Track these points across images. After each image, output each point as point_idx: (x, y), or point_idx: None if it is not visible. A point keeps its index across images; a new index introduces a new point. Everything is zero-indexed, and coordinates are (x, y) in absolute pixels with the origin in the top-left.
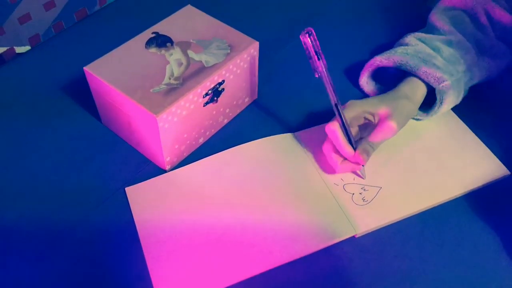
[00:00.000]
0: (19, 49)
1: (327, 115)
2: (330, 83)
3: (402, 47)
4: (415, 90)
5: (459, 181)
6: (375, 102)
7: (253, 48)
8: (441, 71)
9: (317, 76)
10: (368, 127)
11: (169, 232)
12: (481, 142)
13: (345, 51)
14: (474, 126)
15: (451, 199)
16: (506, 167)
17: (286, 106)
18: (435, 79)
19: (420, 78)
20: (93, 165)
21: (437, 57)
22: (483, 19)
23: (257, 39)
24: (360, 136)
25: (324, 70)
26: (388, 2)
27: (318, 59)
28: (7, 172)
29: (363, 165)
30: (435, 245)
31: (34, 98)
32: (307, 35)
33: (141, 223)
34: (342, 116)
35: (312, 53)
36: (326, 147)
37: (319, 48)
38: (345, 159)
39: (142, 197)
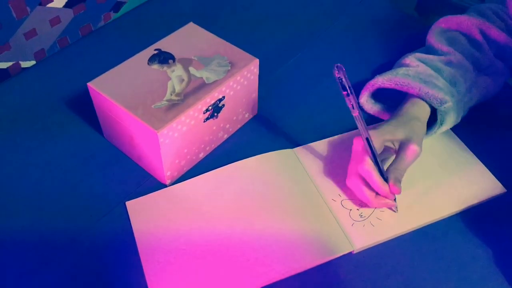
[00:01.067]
0: (25, 64)
1: (325, 131)
2: (362, 119)
3: (404, 68)
4: (421, 110)
5: (456, 198)
6: (391, 129)
7: (253, 65)
8: (443, 92)
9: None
10: (385, 152)
11: (168, 247)
12: (478, 160)
13: (345, 68)
14: (471, 144)
15: (448, 216)
16: (503, 184)
17: (286, 122)
18: (437, 100)
19: (422, 99)
20: (95, 179)
21: (438, 78)
22: (479, 38)
23: (257, 57)
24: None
25: (356, 106)
26: (387, 21)
27: (347, 94)
28: (9, 184)
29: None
30: (431, 261)
31: (38, 111)
32: (339, 70)
33: (141, 237)
34: (375, 152)
35: (344, 88)
36: (354, 183)
37: (349, 83)
38: (377, 193)
39: (142, 211)
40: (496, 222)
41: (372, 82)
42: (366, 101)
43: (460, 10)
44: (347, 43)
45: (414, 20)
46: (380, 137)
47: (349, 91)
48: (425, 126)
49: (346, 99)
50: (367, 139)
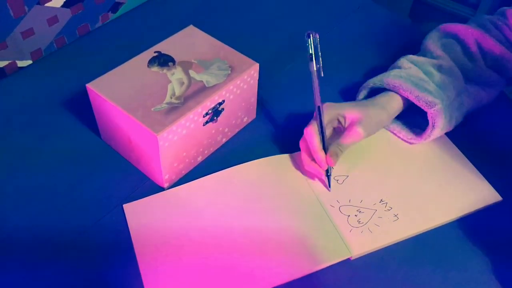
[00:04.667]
0: (21, 63)
1: None
2: (318, 86)
3: (396, 70)
4: (391, 101)
5: (452, 206)
6: (349, 107)
7: (253, 69)
8: (433, 95)
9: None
10: (339, 131)
11: (165, 250)
12: (475, 168)
13: (341, 74)
14: (468, 152)
15: (444, 223)
16: (498, 193)
17: (284, 127)
18: (427, 103)
19: (402, 98)
20: (92, 181)
21: (429, 82)
22: (474, 49)
23: (257, 61)
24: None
25: (314, 71)
26: (382, 27)
27: (311, 60)
28: (4, 186)
29: (329, 171)
30: (428, 268)
31: (34, 112)
32: (310, 36)
33: (138, 240)
34: (322, 120)
35: (310, 52)
36: (302, 145)
37: (317, 51)
38: (314, 160)
39: (139, 214)
40: (491, 230)
41: (365, 84)
42: None
43: (452, 16)
44: (345, 48)
45: (408, 26)
46: (334, 110)
47: (312, 56)
48: (390, 117)
49: (311, 64)
50: (319, 107)
